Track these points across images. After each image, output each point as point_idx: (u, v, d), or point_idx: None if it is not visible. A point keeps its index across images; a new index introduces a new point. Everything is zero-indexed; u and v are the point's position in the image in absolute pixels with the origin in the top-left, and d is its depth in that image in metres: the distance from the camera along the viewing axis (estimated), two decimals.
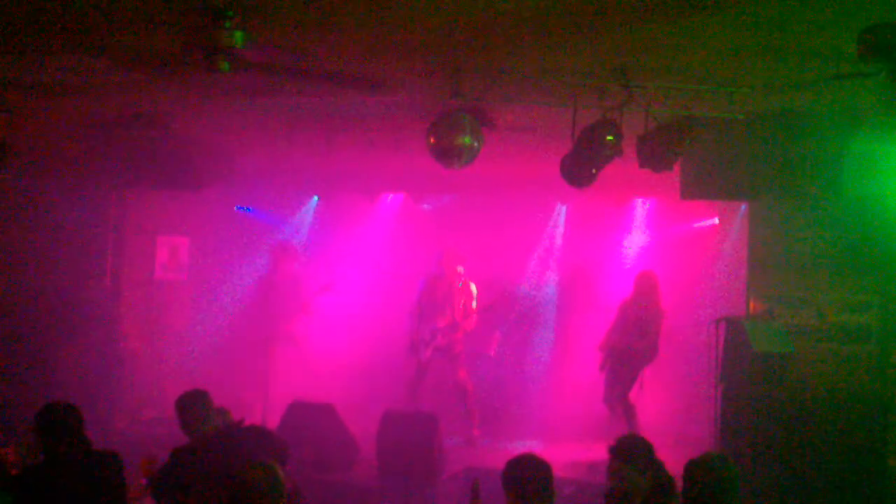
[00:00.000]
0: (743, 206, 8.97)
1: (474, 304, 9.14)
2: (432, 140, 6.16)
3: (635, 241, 10.15)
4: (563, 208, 10.49)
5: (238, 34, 4.55)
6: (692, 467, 4.05)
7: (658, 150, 6.18)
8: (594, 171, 6.35)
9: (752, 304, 7.79)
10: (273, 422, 7.77)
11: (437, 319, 9.13)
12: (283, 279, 9.82)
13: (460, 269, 9.22)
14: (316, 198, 11.04)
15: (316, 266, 10.27)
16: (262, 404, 9.00)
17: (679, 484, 4.34)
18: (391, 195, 10.89)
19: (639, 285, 8.60)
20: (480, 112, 6.49)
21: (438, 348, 9.14)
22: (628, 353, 8.45)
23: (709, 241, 9.81)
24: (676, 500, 4.28)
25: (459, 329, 9.12)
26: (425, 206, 10.78)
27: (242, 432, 5.12)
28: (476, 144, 6.09)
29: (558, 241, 10.52)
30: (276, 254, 10.04)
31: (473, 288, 9.17)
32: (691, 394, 8.92)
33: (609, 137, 5.98)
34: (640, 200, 10.15)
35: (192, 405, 5.17)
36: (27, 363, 8.74)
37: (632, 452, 4.36)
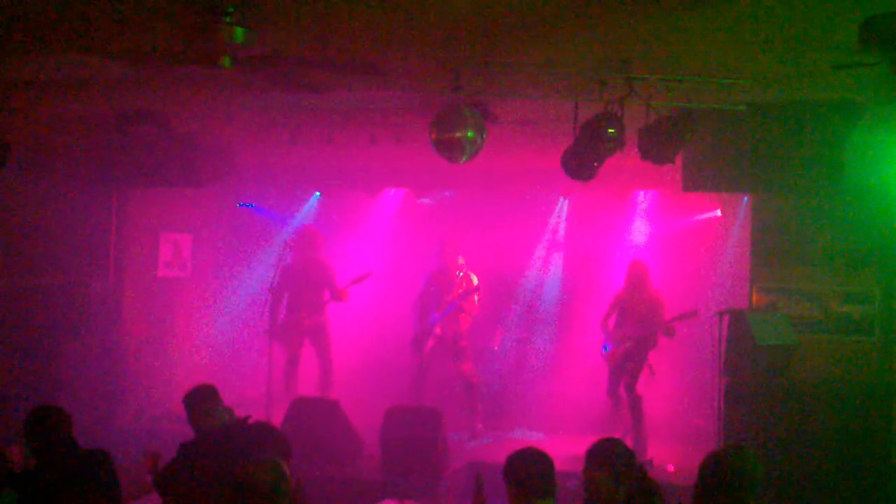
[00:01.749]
0: (745, 198, 8.96)
1: (476, 297, 9.13)
2: (435, 134, 6.16)
3: (637, 233, 10.14)
4: (565, 201, 10.48)
5: (238, 30, 4.55)
6: (708, 460, 3.89)
7: (660, 142, 6.17)
8: (596, 164, 6.35)
9: (755, 297, 7.80)
10: (277, 417, 7.78)
11: (437, 311, 9.15)
12: (308, 267, 9.40)
13: (461, 260, 9.23)
14: (318, 194, 11.04)
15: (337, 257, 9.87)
16: (266, 399, 8.99)
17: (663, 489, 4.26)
18: (393, 190, 10.88)
19: (630, 275, 8.60)
20: (482, 106, 6.49)
21: (442, 340, 9.14)
22: (637, 344, 8.45)
23: (711, 234, 9.79)
24: None
25: (461, 315, 9.09)
26: (425, 200, 10.76)
27: (248, 428, 5.13)
28: (479, 138, 6.09)
29: (560, 234, 10.52)
30: (300, 240, 9.51)
31: (474, 279, 9.17)
32: (695, 386, 8.92)
33: (610, 130, 5.98)
34: (641, 193, 10.13)
35: (201, 400, 5.19)
36: (31, 361, 8.76)
37: (607, 458, 4.13)
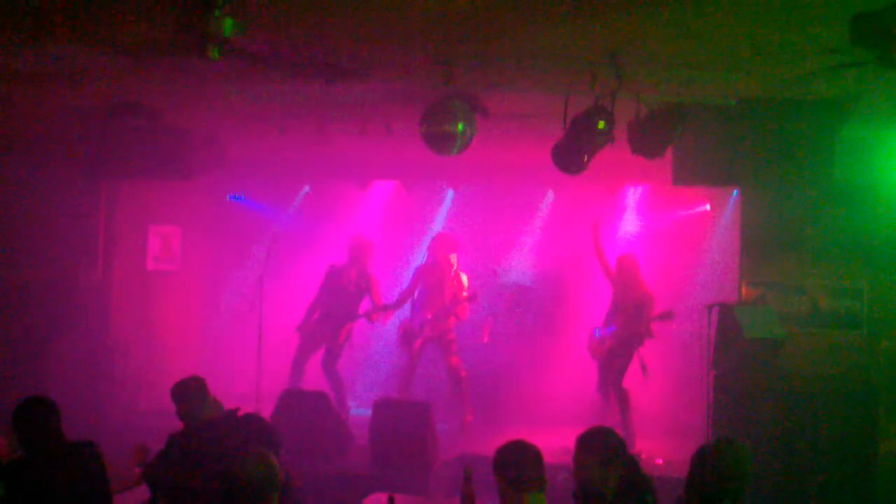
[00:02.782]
0: (735, 193, 8.98)
1: (465, 294, 9.11)
2: (425, 127, 6.16)
3: (627, 227, 10.15)
4: (554, 195, 10.48)
5: (228, 21, 4.53)
6: (700, 454, 3.86)
7: (650, 136, 6.19)
8: (586, 158, 6.36)
9: (744, 290, 7.83)
10: (266, 410, 7.77)
11: (427, 309, 9.12)
12: (353, 276, 9.14)
13: (453, 257, 9.19)
14: (307, 187, 11.01)
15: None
16: (255, 393, 8.97)
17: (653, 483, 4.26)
18: (383, 183, 10.85)
19: (619, 269, 8.59)
20: (473, 99, 6.49)
21: (430, 338, 9.13)
22: (622, 342, 8.45)
23: (701, 228, 9.82)
24: (652, 500, 4.13)
25: (450, 317, 9.09)
26: (415, 193, 10.74)
27: (238, 420, 5.12)
28: (469, 131, 6.09)
29: (549, 227, 10.50)
30: (357, 247, 9.20)
31: (464, 279, 9.16)
32: (683, 380, 8.95)
33: (601, 124, 5.99)
34: (631, 187, 10.14)
35: (189, 392, 5.19)
36: (19, 354, 8.72)
37: (597, 445, 4.10)
